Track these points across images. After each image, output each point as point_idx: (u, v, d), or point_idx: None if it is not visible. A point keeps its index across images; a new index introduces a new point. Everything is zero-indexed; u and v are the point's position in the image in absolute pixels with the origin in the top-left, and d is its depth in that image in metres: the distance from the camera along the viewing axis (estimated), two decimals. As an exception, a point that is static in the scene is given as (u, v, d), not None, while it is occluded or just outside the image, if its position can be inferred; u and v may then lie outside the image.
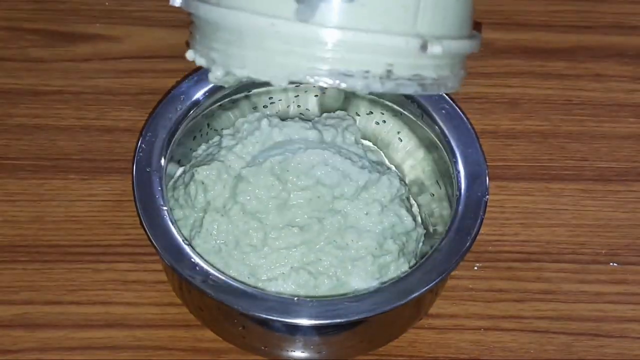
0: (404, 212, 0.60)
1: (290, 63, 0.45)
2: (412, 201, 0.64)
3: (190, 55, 0.49)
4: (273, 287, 0.57)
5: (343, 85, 0.45)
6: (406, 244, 0.60)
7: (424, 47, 0.45)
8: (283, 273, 0.57)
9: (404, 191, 0.62)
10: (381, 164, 0.64)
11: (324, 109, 0.66)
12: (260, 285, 0.57)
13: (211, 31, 0.47)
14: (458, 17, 0.47)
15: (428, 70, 0.46)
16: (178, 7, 0.49)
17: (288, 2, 0.44)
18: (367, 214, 0.59)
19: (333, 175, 0.59)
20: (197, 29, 0.49)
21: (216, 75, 0.48)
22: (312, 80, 0.45)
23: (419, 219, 0.63)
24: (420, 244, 0.61)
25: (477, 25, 0.49)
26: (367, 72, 0.45)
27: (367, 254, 0.58)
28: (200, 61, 0.49)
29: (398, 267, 0.59)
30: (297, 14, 0.44)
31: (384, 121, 0.65)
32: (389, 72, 0.45)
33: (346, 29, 0.44)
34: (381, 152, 0.66)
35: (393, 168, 0.65)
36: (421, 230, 0.62)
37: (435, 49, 0.45)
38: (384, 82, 0.45)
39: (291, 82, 0.46)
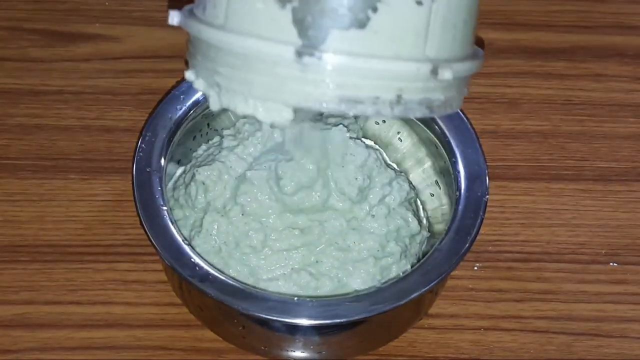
0: (410, 215, 0.60)
1: (300, 89, 0.44)
2: (419, 204, 0.64)
3: (189, 76, 0.47)
4: (274, 288, 0.57)
5: (353, 112, 0.44)
6: (409, 246, 0.60)
7: (434, 72, 0.45)
8: (284, 274, 0.57)
9: (413, 194, 0.62)
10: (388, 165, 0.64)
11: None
12: (260, 285, 0.57)
13: (215, 54, 0.45)
14: (464, 38, 0.46)
15: (436, 93, 0.46)
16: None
17: (295, 30, 0.43)
18: (373, 216, 0.59)
19: None
20: (199, 50, 0.47)
21: (216, 104, 0.47)
22: (322, 107, 0.44)
23: (424, 221, 0.63)
24: (424, 246, 0.61)
25: (479, 40, 0.49)
26: (377, 97, 0.44)
27: (369, 255, 0.58)
28: (200, 84, 0.47)
29: (400, 269, 0.58)
30: (306, 40, 0.43)
31: (384, 121, 0.65)
32: (399, 97, 0.44)
33: (357, 56, 0.44)
34: (382, 151, 0.66)
35: (395, 166, 0.65)
36: (426, 234, 0.61)
37: (446, 73, 0.45)
38: (393, 107, 0.44)
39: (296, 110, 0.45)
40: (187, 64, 0.48)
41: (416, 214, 0.61)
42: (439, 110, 0.46)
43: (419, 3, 0.44)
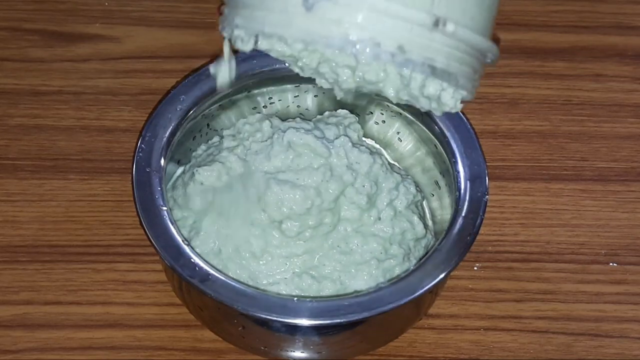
0: (416, 219, 0.60)
1: (307, 26, 0.47)
2: (426, 207, 0.64)
3: (222, 22, 0.51)
4: (275, 290, 0.57)
5: (352, 51, 0.46)
6: (413, 249, 0.60)
7: (436, 23, 0.46)
8: (285, 278, 0.57)
9: (419, 197, 0.62)
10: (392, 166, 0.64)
11: (322, 110, 0.66)
12: (261, 288, 0.57)
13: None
14: (476, 13, 0.48)
15: (439, 55, 0.47)
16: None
17: None
18: (380, 219, 0.59)
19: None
20: (228, 4, 0.51)
21: (243, 45, 0.50)
22: (325, 44, 0.46)
23: (430, 224, 0.63)
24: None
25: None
26: (378, 43, 0.46)
27: (372, 258, 0.58)
28: (226, 31, 0.50)
29: (402, 271, 0.58)
30: None
31: (384, 121, 0.65)
32: (401, 47, 0.46)
33: (363, 3, 0.46)
34: (382, 150, 0.66)
35: (398, 165, 0.65)
36: (431, 237, 0.61)
37: (448, 27, 0.46)
38: (394, 56, 0.46)
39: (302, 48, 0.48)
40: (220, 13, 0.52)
41: (422, 218, 0.61)
42: (442, 76, 0.47)
43: None
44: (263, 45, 0.49)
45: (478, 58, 0.49)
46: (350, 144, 0.60)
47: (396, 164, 0.65)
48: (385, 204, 0.59)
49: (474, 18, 0.48)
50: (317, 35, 0.47)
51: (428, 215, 0.63)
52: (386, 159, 0.63)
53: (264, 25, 0.48)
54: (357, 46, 0.46)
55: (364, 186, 0.58)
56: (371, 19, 0.46)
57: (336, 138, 0.60)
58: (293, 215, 0.57)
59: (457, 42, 0.47)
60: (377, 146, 0.66)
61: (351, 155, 0.59)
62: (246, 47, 0.50)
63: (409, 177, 0.63)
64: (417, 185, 0.63)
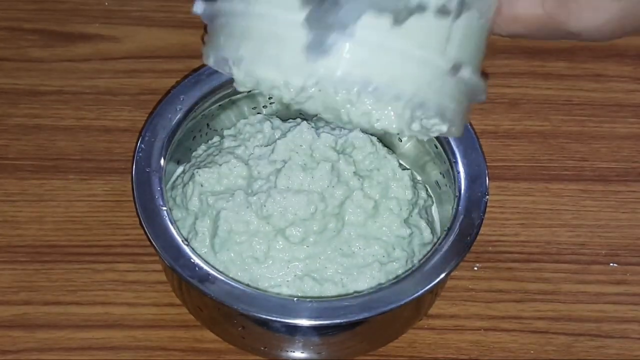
0: (423, 224, 0.60)
1: (321, 65, 0.44)
2: (434, 213, 0.63)
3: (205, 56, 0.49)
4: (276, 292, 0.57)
5: (370, 90, 0.45)
6: (417, 253, 0.59)
7: (455, 69, 0.46)
8: (287, 281, 0.57)
9: (430, 203, 0.61)
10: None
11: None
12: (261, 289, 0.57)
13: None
14: (479, 53, 0.48)
15: (449, 99, 0.47)
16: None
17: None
18: (385, 224, 0.58)
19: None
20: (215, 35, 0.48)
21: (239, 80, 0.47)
22: (345, 94, 0.45)
23: (438, 227, 0.62)
24: None
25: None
26: (398, 92, 0.45)
27: (374, 261, 0.57)
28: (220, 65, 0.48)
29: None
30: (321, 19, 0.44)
31: (384, 121, 0.65)
32: (416, 93, 0.45)
33: (384, 47, 0.45)
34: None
35: (405, 169, 0.65)
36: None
37: (465, 72, 0.46)
38: (411, 101, 0.45)
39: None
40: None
41: (430, 223, 0.61)
42: (450, 121, 0.47)
43: (445, 13, 0.45)
44: (262, 88, 0.46)
45: (472, 99, 0.49)
46: (357, 148, 0.59)
47: (407, 167, 0.65)
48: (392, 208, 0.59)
49: (478, 59, 0.48)
50: (332, 77, 0.44)
51: (437, 221, 0.63)
52: (397, 161, 0.62)
53: (278, 63, 0.45)
54: (376, 89, 0.45)
55: (370, 191, 0.58)
56: (388, 62, 0.45)
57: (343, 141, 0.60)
58: (297, 220, 0.56)
59: (464, 86, 0.47)
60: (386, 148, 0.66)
61: (358, 159, 0.59)
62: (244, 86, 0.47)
63: (420, 181, 0.63)
64: (427, 190, 0.62)
